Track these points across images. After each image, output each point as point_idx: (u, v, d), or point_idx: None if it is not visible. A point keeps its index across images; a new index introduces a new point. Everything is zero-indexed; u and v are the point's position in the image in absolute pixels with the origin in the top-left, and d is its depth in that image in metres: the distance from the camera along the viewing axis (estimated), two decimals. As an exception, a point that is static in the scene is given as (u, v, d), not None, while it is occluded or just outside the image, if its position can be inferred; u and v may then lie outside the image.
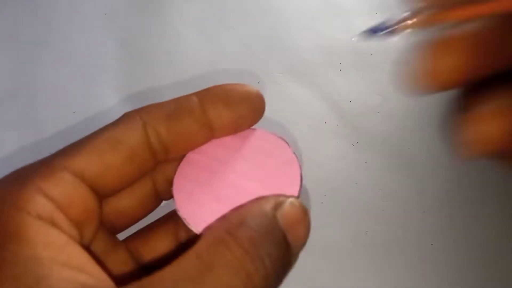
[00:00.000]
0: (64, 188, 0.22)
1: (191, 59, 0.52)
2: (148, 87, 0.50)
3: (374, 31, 0.19)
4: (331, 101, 0.50)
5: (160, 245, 0.28)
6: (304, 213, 0.24)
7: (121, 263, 0.26)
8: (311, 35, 0.55)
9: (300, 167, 0.27)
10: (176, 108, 0.25)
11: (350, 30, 0.56)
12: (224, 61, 0.52)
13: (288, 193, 0.26)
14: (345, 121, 0.49)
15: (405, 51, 0.18)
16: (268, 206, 0.23)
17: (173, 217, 0.28)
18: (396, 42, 0.56)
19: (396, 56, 0.53)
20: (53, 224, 0.21)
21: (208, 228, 0.24)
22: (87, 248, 0.22)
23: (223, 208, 0.25)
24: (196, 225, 0.25)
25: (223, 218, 0.24)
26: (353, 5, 0.58)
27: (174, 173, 0.27)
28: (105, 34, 0.53)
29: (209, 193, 0.26)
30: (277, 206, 0.23)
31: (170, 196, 0.28)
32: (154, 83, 0.50)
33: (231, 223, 0.22)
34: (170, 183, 0.27)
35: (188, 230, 0.25)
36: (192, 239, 0.26)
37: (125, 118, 0.25)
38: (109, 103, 0.48)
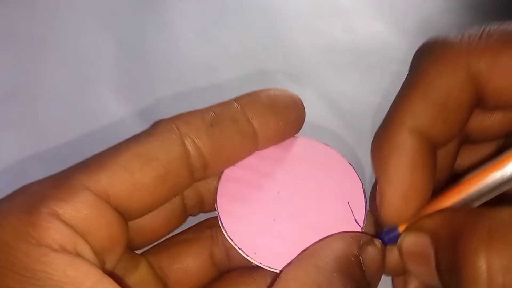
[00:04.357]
0: (87, 213, 0.18)
1: (189, 60, 0.52)
2: (146, 88, 0.50)
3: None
4: (331, 101, 0.50)
5: (191, 264, 0.25)
6: (384, 258, 0.22)
7: (142, 282, 0.23)
8: (310, 35, 0.55)
9: (360, 179, 0.24)
10: (217, 117, 0.22)
11: (350, 29, 0.56)
12: (223, 61, 0.52)
13: (353, 212, 0.23)
14: (345, 121, 0.49)
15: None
16: (354, 251, 0.21)
17: (204, 231, 0.26)
18: (396, 42, 0.55)
19: (396, 56, 0.53)
20: (79, 255, 0.18)
21: (288, 269, 0.21)
22: (111, 274, 0.19)
23: (283, 233, 0.22)
24: (258, 258, 0.22)
25: (305, 259, 0.21)
26: (353, 5, 0.58)
27: (207, 187, 0.24)
28: (104, 34, 0.53)
29: (262, 215, 0.23)
30: (362, 251, 0.21)
31: (198, 211, 0.25)
32: (152, 84, 0.50)
33: (321, 272, 0.20)
34: (200, 199, 0.25)
35: (235, 251, 0.22)
36: (243, 267, 0.24)
37: (159, 128, 0.21)
38: (108, 103, 0.48)
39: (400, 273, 0.24)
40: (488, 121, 0.24)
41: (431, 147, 0.22)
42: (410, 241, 0.21)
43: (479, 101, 0.22)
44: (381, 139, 0.22)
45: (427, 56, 0.22)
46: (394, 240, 0.22)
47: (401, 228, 0.22)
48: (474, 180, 0.21)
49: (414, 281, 0.24)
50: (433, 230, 0.20)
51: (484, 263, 0.17)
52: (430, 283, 0.21)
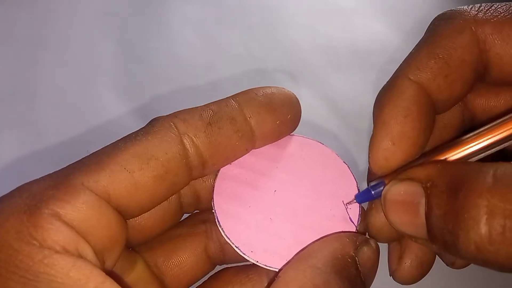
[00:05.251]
0: (87, 213, 0.18)
1: (188, 59, 0.52)
2: (146, 87, 0.50)
3: (364, 197, 0.24)
4: (331, 101, 0.50)
5: (186, 260, 0.25)
6: (378, 257, 0.22)
7: (139, 281, 0.23)
8: (310, 35, 0.55)
9: (355, 177, 0.25)
10: (215, 115, 0.22)
11: (350, 29, 0.56)
12: (223, 61, 0.52)
13: (347, 210, 0.23)
14: (345, 121, 0.49)
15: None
16: (350, 251, 0.21)
17: (199, 226, 0.26)
18: (395, 42, 0.55)
19: (395, 56, 0.53)
20: (80, 256, 0.18)
21: (286, 269, 0.21)
22: (110, 273, 0.19)
23: (279, 231, 0.23)
24: (255, 256, 0.22)
25: (303, 259, 0.21)
26: (352, 5, 0.58)
27: (203, 185, 0.24)
28: (103, 34, 0.53)
29: (259, 214, 0.23)
30: (358, 251, 0.21)
31: (193, 209, 0.25)
32: (152, 83, 0.50)
33: (319, 273, 0.20)
34: (196, 196, 0.25)
35: (229, 246, 0.22)
36: (239, 261, 0.24)
37: (157, 126, 0.21)
38: (108, 103, 0.48)
39: (391, 237, 0.24)
40: (493, 102, 0.25)
41: (429, 101, 0.22)
42: (397, 190, 0.21)
43: (484, 71, 0.23)
44: (384, 88, 0.23)
45: (438, 21, 0.23)
46: (380, 194, 0.22)
47: (387, 181, 0.22)
48: (469, 139, 0.21)
49: (409, 255, 0.24)
50: (427, 178, 0.20)
51: (487, 204, 0.17)
52: (410, 233, 0.21)
